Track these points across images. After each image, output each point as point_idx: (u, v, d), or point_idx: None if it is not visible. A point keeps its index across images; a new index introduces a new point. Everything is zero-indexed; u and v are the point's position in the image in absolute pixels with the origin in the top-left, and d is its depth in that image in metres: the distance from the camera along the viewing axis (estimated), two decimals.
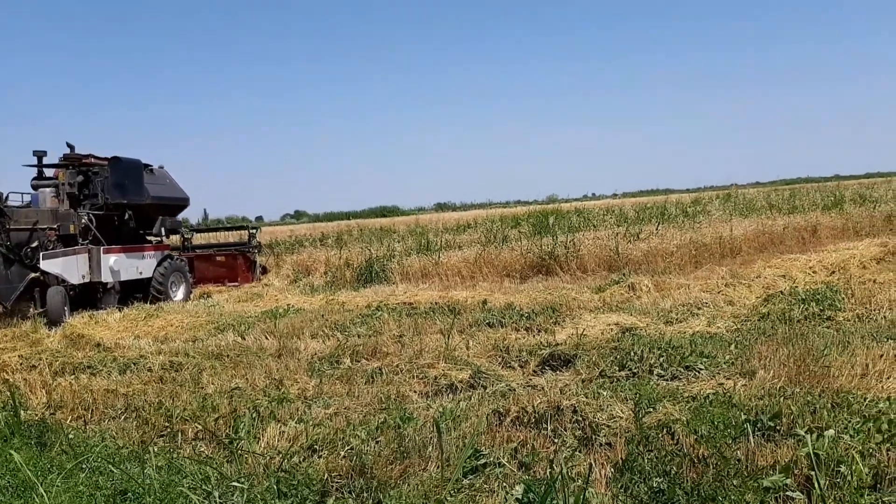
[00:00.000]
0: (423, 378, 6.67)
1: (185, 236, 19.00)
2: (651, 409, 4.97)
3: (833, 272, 11.26)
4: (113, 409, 6.39)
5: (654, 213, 23.13)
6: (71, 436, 5.34)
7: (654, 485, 3.80)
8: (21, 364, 8.47)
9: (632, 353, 6.58)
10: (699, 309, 9.00)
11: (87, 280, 13.78)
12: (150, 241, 16.00)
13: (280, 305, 12.61)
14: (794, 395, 5.13)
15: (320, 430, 5.13)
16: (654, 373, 6.13)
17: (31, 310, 12.75)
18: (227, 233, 21.95)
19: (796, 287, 9.82)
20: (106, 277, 14.08)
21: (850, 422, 4.40)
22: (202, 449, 5.07)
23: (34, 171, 14.82)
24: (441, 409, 5.46)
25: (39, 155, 14.76)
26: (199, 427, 5.47)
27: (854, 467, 3.70)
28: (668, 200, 33.29)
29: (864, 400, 4.88)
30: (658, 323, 8.30)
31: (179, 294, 15.89)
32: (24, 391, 7.19)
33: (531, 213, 29.21)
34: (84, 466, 4.40)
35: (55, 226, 13.41)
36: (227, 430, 5.29)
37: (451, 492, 3.84)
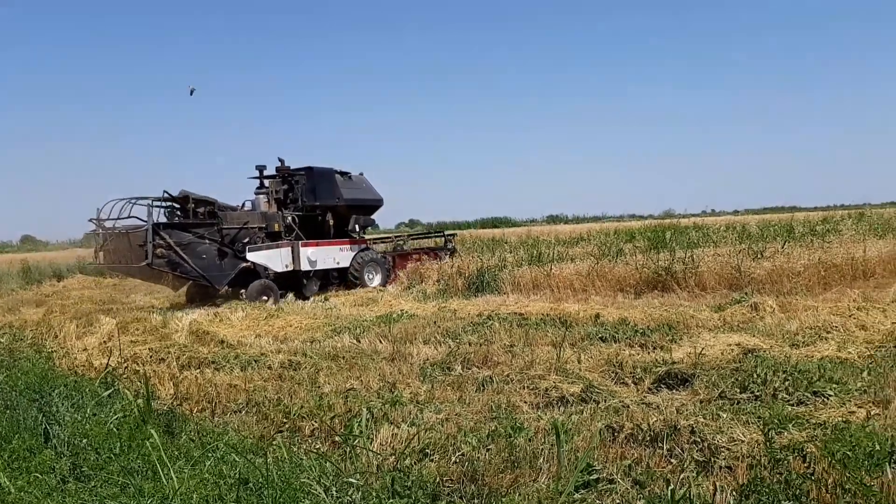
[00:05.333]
0: (534, 389, 6.61)
1: (397, 240, 22.23)
2: (778, 433, 4.74)
3: None
4: (235, 403, 6.68)
5: (779, 231, 22.14)
6: (198, 426, 5.62)
7: None
8: (151, 357, 8.97)
9: (754, 375, 6.29)
10: (828, 332, 8.50)
11: (289, 269, 16.98)
12: (352, 237, 18.79)
13: (394, 311, 12.83)
14: None
15: (432, 434, 5.16)
16: (779, 397, 5.84)
17: (241, 294, 16.00)
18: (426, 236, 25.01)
19: None
20: (304, 266, 17.17)
21: None
22: (318, 446, 5.22)
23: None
24: (553, 421, 5.40)
25: (260, 168, 18.21)
26: (316, 424, 5.64)
27: None
28: (795, 218, 31.80)
29: None
30: (783, 345, 7.90)
31: (376, 281, 18.52)
32: (153, 382, 7.60)
33: (647, 227, 28.60)
34: (209, 455, 4.61)
35: (263, 225, 16.87)
36: (343, 429, 5.42)
37: None
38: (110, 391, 6.80)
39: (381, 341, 9.50)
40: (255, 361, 8.44)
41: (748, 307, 10.42)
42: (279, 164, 18.25)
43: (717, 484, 4.04)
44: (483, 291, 15.29)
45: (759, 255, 15.19)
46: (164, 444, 4.70)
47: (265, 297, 15.96)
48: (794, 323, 9.15)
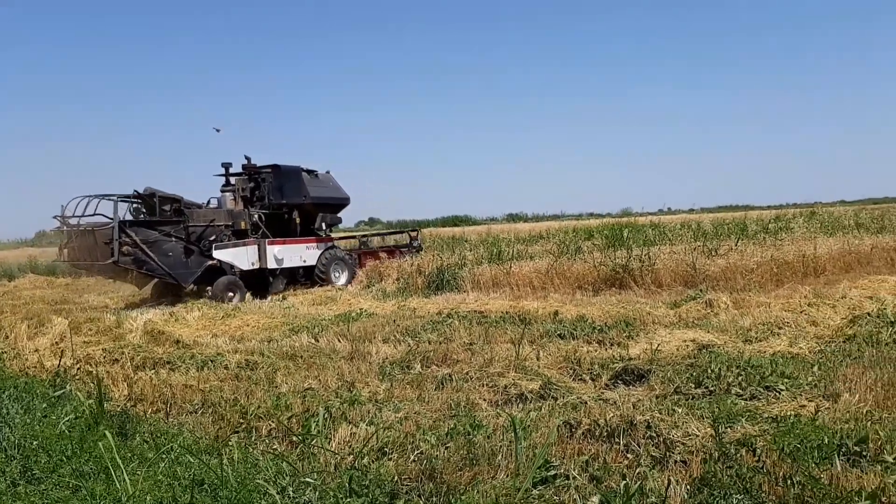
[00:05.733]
0: (493, 386, 6.63)
1: (363, 238, 22.49)
2: (729, 427, 4.83)
3: None
4: (190, 403, 6.58)
5: (733, 229, 22.55)
6: (151, 427, 5.52)
7: (734, 502, 3.69)
8: (104, 357, 8.78)
9: (709, 371, 6.40)
10: (780, 328, 8.70)
11: (255, 267, 16.95)
12: (317, 235, 18.66)
13: (353, 309, 12.77)
14: (882, 420, 4.89)
15: (390, 433, 5.15)
16: (732, 391, 5.95)
17: (207, 292, 15.94)
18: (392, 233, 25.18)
19: (885, 309, 9.35)
20: (271, 265, 17.15)
21: None
22: (276, 446, 5.17)
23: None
24: (511, 418, 5.43)
25: (226, 166, 18.22)
26: (273, 425, 5.59)
27: None
28: (748, 217, 32.47)
29: None
30: (736, 341, 8.05)
31: (342, 280, 18.50)
32: (106, 383, 7.45)
33: (605, 225, 28.90)
34: (164, 457, 4.54)
35: (230, 222, 16.86)
36: (300, 429, 5.37)
37: (522, 501, 3.80)
38: (61, 392, 6.65)
39: (339, 340, 9.44)
40: (212, 361, 8.32)
41: (703, 304, 10.59)
42: (246, 161, 18.25)
43: (672, 478, 4.10)
44: (443, 289, 15.30)
45: (713, 253, 15.46)
46: (117, 445, 4.62)
47: (231, 294, 15.94)
48: (747, 319, 9.34)
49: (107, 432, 4.66)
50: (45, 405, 6.20)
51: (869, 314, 9.02)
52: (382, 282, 17.51)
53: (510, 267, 15.66)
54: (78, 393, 6.50)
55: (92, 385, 6.97)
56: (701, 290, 11.92)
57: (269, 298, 16.15)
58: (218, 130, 18.38)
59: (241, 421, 5.78)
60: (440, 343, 8.72)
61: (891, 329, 8.10)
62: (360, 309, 12.74)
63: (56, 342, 10.13)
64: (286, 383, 7.11)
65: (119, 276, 16.32)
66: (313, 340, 9.65)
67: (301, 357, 8.42)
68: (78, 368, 8.22)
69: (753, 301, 10.64)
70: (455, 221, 71.67)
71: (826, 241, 17.36)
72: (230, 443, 5.03)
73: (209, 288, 15.96)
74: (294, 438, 5.17)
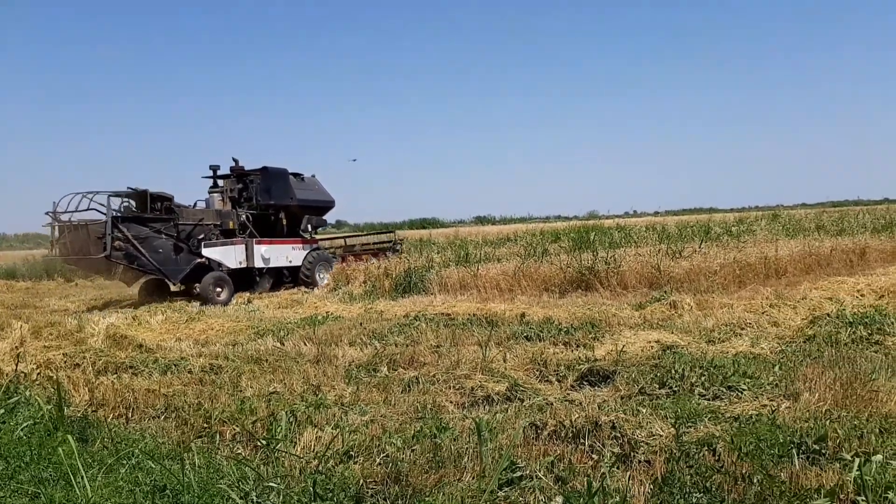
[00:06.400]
0: (460, 389, 6.63)
1: (347, 240, 23.04)
2: (691, 426, 4.89)
3: (882, 296, 10.95)
4: (153, 408, 6.48)
5: (697, 232, 22.85)
6: (112, 432, 5.43)
7: (694, 501, 3.73)
8: (65, 362, 8.61)
9: (672, 371, 6.48)
10: (742, 329, 8.83)
11: (243, 265, 17.51)
12: (303, 236, 19.34)
13: (319, 312, 12.71)
14: (840, 418, 4.99)
15: (356, 436, 5.13)
16: (696, 392, 6.02)
17: (195, 289, 16.38)
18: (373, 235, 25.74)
19: (843, 310, 9.56)
20: (258, 264, 17.75)
21: None
22: (240, 450, 5.12)
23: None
24: (477, 420, 5.43)
25: (214, 168, 19.00)
26: (237, 429, 5.52)
27: None
28: (712, 219, 32.95)
29: None
30: (700, 342, 8.16)
31: (325, 280, 18.80)
32: (67, 388, 7.31)
33: (572, 228, 29.13)
34: (125, 462, 4.47)
35: (218, 222, 17.36)
36: (265, 434, 5.32)
37: (487, 502, 3.81)
38: (17, 398, 6.51)
39: (305, 343, 9.38)
40: (175, 366, 8.21)
41: (667, 305, 10.71)
42: (233, 163, 18.63)
43: (636, 477, 4.14)
44: (410, 292, 15.28)
45: (677, 255, 15.64)
46: (77, 451, 4.53)
47: (219, 290, 16.24)
48: (710, 320, 9.47)
49: (68, 437, 4.57)
50: (2, 411, 6.06)
51: (828, 315, 9.20)
52: (349, 284, 17.44)
53: (477, 269, 15.69)
54: (37, 398, 6.36)
55: (52, 390, 6.83)
56: (665, 292, 12.06)
57: (234, 301, 16.06)
58: (354, 160, 18.97)
59: (205, 426, 5.71)
60: (407, 346, 8.71)
61: (849, 329, 8.27)
62: (327, 312, 12.68)
63: (15, 347, 9.87)
64: (251, 387, 7.04)
65: (109, 272, 16.54)
66: (279, 344, 9.57)
67: (266, 361, 8.34)
68: (38, 374, 8.04)
69: (716, 302, 10.79)
70: (423, 224, 71.76)
71: (787, 243, 17.68)
72: (193, 448, 4.96)
73: (197, 285, 16.15)
74: (258, 443, 5.11)
